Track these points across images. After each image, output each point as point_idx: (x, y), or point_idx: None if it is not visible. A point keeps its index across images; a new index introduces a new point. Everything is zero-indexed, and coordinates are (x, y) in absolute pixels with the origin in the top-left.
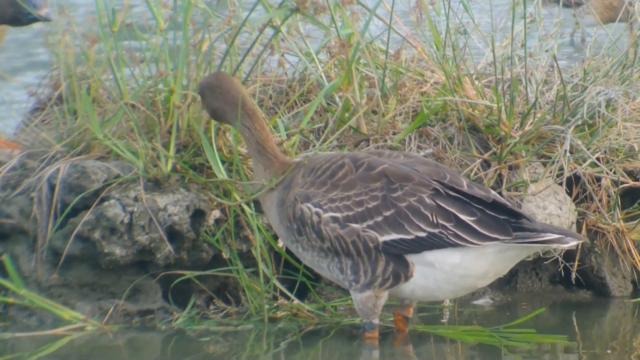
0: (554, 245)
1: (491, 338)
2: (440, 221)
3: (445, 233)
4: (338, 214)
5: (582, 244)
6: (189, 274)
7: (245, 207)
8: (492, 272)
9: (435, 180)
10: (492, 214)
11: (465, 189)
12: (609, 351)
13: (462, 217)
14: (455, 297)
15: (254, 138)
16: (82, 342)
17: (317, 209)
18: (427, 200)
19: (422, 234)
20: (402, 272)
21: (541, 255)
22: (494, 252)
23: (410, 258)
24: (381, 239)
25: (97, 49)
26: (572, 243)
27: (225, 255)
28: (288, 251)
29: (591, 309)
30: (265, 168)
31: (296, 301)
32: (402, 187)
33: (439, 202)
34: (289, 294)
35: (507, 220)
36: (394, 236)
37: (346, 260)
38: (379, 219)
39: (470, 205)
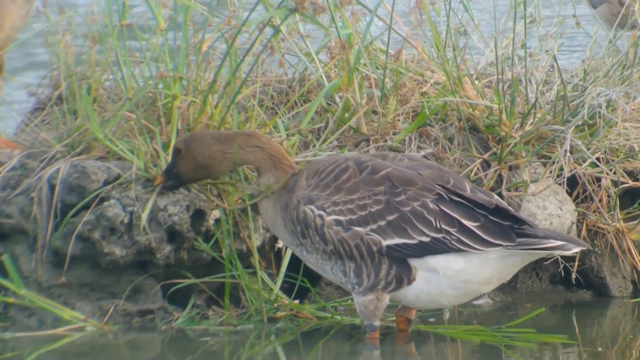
0: (557, 252)
1: (492, 337)
2: (443, 226)
3: (449, 238)
4: (341, 217)
5: None
6: (189, 281)
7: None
8: (495, 278)
9: (438, 185)
10: (496, 219)
11: (468, 193)
12: (600, 349)
13: (466, 222)
14: (459, 303)
15: (267, 153)
16: (82, 342)
17: (320, 212)
18: (431, 205)
19: (425, 239)
20: (404, 276)
21: None
22: (497, 258)
23: (413, 262)
24: (384, 243)
25: (98, 49)
26: (574, 250)
27: (226, 256)
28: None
29: (591, 309)
30: (278, 180)
31: (296, 302)
32: (405, 192)
33: (442, 207)
34: (287, 298)
35: (510, 226)
36: (397, 240)
37: (349, 264)
38: (382, 223)
39: (473, 210)
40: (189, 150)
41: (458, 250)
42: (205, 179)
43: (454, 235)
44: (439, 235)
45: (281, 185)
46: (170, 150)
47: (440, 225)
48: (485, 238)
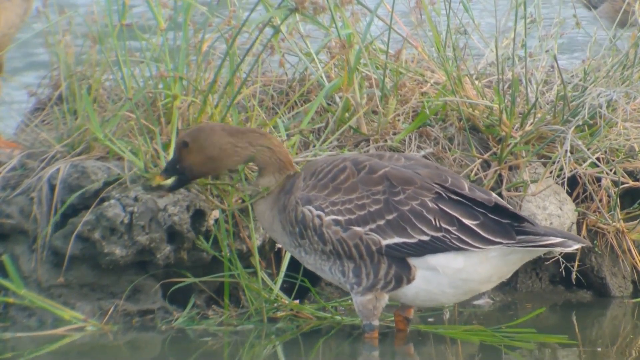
0: (558, 249)
1: (492, 338)
2: (443, 225)
3: (449, 237)
4: (340, 217)
5: None
6: (189, 280)
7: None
8: (495, 276)
9: (437, 184)
10: (495, 217)
11: (466, 192)
12: (600, 349)
13: (465, 221)
14: (458, 302)
15: (276, 156)
16: (82, 342)
17: (319, 212)
18: (430, 204)
19: (425, 238)
20: (404, 275)
21: (542, 255)
22: (497, 256)
23: (413, 261)
24: (384, 242)
25: (98, 49)
26: (575, 247)
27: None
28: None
29: (591, 309)
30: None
31: (296, 302)
32: (404, 191)
33: (441, 205)
34: (287, 299)
35: (509, 224)
36: (396, 240)
37: (348, 263)
38: (382, 222)
39: (472, 209)
40: (198, 141)
41: (458, 249)
42: (212, 174)
43: (454, 234)
44: (439, 234)
45: (277, 188)
46: (173, 147)
47: (439, 224)
48: (485, 236)
